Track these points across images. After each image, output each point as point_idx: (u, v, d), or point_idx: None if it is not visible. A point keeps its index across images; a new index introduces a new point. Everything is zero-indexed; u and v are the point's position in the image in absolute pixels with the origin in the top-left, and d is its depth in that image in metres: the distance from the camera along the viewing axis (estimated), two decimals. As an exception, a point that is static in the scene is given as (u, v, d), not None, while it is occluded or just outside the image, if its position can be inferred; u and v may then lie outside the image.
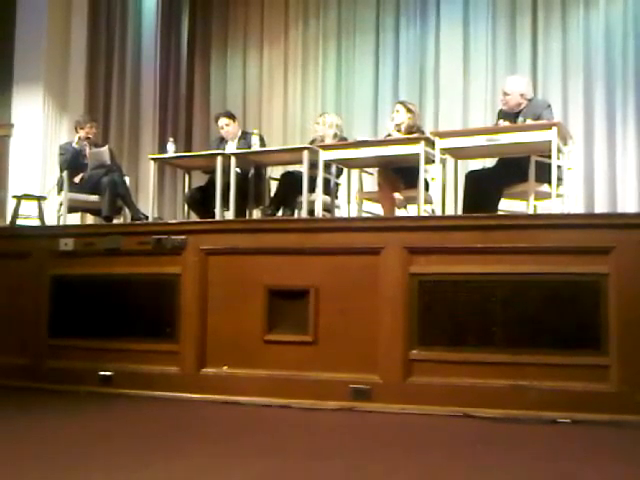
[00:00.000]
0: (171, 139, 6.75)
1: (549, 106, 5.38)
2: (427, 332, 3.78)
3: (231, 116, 6.83)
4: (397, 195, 5.73)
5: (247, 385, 4.00)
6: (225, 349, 4.13)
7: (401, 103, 6.17)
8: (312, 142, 6.37)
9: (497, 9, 8.48)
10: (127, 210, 6.54)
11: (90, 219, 7.30)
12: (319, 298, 3.97)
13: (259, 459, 2.73)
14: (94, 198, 6.45)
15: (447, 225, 3.97)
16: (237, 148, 6.55)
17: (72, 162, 6.48)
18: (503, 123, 5.26)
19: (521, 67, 8.09)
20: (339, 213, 6.27)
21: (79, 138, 6.63)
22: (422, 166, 5.25)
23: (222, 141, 6.80)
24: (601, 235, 3.61)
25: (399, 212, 5.80)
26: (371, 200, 6.06)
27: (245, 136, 6.69)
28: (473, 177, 5.39)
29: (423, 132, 5.90)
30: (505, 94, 5.39)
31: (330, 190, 6.10)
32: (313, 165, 5.76)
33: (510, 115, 5.34)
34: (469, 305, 3.73)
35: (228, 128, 6.73)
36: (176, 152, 6.66)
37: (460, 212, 5.26)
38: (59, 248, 4.56)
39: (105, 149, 6.76)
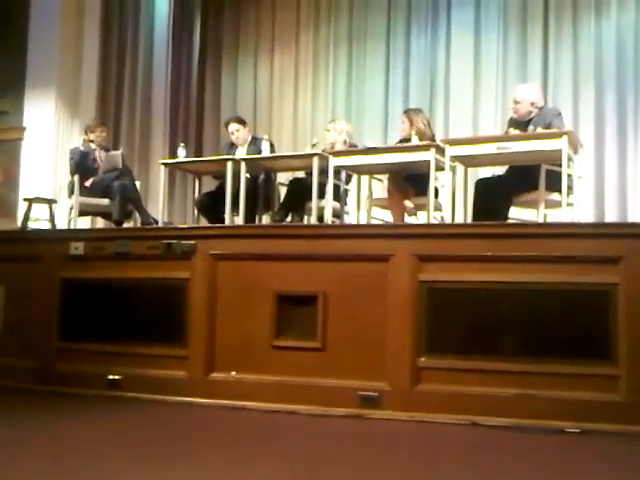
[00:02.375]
0: (182, 144, 6.78)
1: (560, 114, 5.38)
2: (435, 340, 3.77)
3: (241, 121, 6.86)
4: (407, 202, 5.72)
5: (255, 390, 4.00)
6: (233, 354, 4.13)
7: (405, 113, 6.16)
8: (313, 145, 6.37)
9: (508, 16, 8.47)
10: (137, 214, 6.57)
11: (100, 223, 7.33)
12: (328, 304, 3.97)
13: (266, 465, 2.73)
14: (105, 202, 6.48)
15: (456, 233, 3.96)
16: (247, 153, 6.57)
17: (80, 164, 6.52)
18: (513, 131, 5.26)
19: (532, 74, 8.08)
20: (348, 219, 6.28)
21: (84, 140, 6.67)
22: (432, 173, 5.25)
23: (232, 146, 6.82)
24: (611, 244, 3.59)
25: (409, 219, 5.80)
26: (380, 207, 6.06)
27: (255, 141, 6.72)
28: (483, 185, 5.39)
29: (433, 138, 5.89)
30: (516, 102, 5.40)
31: (339, 196, 6.11)
32: (323, 171, 5.77)
33: (521, 123, 5.33)
34: (478, 313, 3.72)
35: (238, 133, 6.76)
36: (187, 157, 6.69)
37: (470, 220, 5.25)
38: (69, 252, 4.58)
39: (119, 153, 6.80)
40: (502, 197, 5.18)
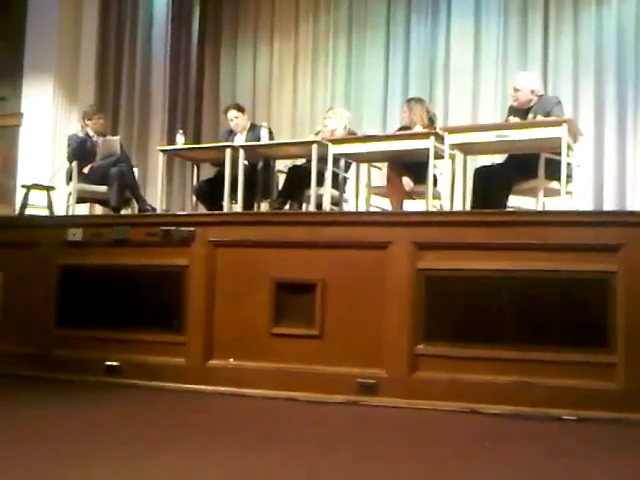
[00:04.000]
0: (180, 131, 6.75)
1: (560, 102, 5.35)
2: (433, 327, 3.78)
3: (240, 108, 6.83)
4: (405, 179, 5.66)
5: (253, 377, 4.01)
6: (232, 341, 4.14)
7: (407, 102, 6.17)
8: (317, 133, 6.34)
9: (509, 5, 8.43)
10: (135, 201, 6.55)
11: (98, 210, 7.31)
12: (326, 292, 3.97)
13: (263, 451, 2.73)
14: (103, 189, 6.45)
15: (455, 221, 3.96)
16: (246, 140, 6.55)
17: (78, 150, 6.49)
18: (513, 119, 5.24)
19: (532, 63, 8.05)
20: (347, 207, 6.27)
21: (81, 127, 6.67)
22: (431, 161, 5.23)
23: (231, 133, 6.80)
24: (610, 233, 3.60)
25: (408, 206, 5.78)
26: (379, 195, 6.05)
27: (254, 128, 6.69)
28: (482, 173, 5.38)
29: (434, 124, 5.88)
30: (516, 90, 5.38)
31: (338, 184, 6.09)
32: (322, 159, 5.75)
33: (520, 111, 5.32)
34: (476, 301, 3.73)
35: (237, 120, 6.73)
36: (185, 144, 6.67)
37: (468, 208, 5.24)
38: (67, 238, 4.58)
39: (117, 139, 6.79)
40: (501, 185, 5.17)
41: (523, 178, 5.16)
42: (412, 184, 5.66)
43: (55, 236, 4.64)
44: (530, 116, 5.22)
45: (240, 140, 6.62)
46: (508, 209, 5.12)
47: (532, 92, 5.33)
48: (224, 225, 4.36)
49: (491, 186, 5.16)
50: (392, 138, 5.71)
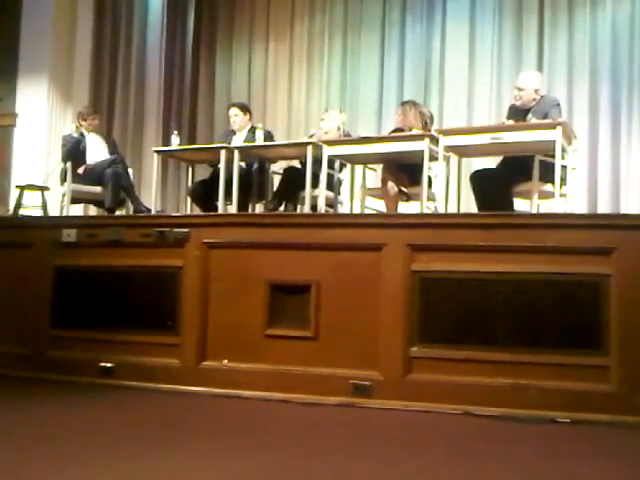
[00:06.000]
0: (175, 132, 6.75)
1: (558, 104, 5.35)
2: (428, 329, 3.78)
3: (242, 108, 6.82)
4: (390, 184, 5.66)
5: (247, 379, 4.00)
6: (226, 343, 4.13)
7: (401, 106, 6.18)
8: (310, 136, 6.34)
9: (504, 7, 8.47)
10: (129, 202, 6.55)
11: (92, 210, 7.30)
12: (320, 293, 3.97)
13: (257, 453, 2.73)
14: (97, 189, 6.45)
15: (450, 223, 3.96)
16: (244, 142, 6.55)
17: (72, 151, 6.49)
18: (508, 122, 5.25)
19: (527, 65, 8.07)
20: (342, 209, 6.27)
21: (76, 127, 6.66)
22: (426, 163, 5.24)
23: (231, 133, 6.79)
24: (604, 235, 3.60)
25: (402, 206, 5.79)
26: (374, 196, 6.06)
27: (254, 131, 6.68)
28: (478, 177, 5.37)
29: (428, 123, 5.89)
30: (519, 89, 5.35)
31: (333, 186, 6.10)
32: (317, 161, 5.75)
33: (521, 111, 5.33)
34: (470, 303, 3.72)
35: (236, 119, 6.74)
36: (180, 145, 6.66)
37: (462, 210, 5.25)
38: (61, 239, 4.55)
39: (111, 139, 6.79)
40: (501, 187, 5.16)
41: (518, 180, 5.17)
42: (396, 188, 5.65)
43: (49, 237, 4.62)
44: (529, 117, 5.24)
45: (238, 139, 6.62)
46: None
47: (535, 91, 5.34)
48: (218, 226, 4.35)
49: (492, 189, 5.15)
50: (387, 140, 5.72)
